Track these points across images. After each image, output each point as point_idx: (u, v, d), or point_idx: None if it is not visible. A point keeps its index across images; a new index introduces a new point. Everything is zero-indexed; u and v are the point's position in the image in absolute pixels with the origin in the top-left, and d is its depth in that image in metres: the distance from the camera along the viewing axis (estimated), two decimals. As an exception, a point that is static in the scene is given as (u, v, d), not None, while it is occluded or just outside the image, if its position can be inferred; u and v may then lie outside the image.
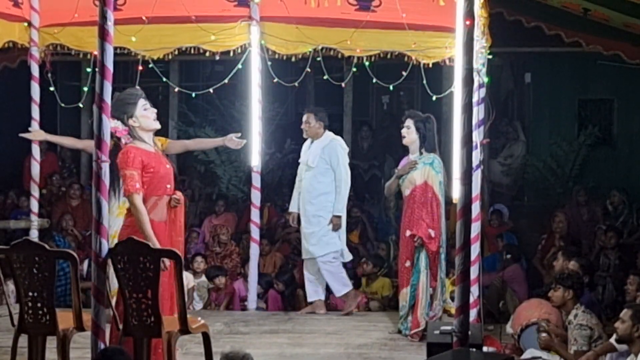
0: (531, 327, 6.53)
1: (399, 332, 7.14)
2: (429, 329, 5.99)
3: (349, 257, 7.99)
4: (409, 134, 7.08)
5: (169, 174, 5.69)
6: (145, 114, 5.63)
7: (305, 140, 8.01)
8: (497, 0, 7.79)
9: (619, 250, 8.98)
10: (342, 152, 7.81)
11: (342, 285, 7.88)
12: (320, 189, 7.75)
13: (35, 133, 7.91)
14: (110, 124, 5.49)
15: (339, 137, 7.97)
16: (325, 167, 7.74)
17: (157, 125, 5.72)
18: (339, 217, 7.76)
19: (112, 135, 5.82)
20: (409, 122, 7.08)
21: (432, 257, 6.87)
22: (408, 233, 6.94)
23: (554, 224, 9.64)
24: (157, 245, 5.32)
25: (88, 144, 7.67)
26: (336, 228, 7.76)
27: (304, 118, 7.91)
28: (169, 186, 5.64)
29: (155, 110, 5.71)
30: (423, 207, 6.89)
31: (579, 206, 10.55)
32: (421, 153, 7.05)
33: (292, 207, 8.08)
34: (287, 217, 8.50)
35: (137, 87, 5.97)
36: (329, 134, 7.89)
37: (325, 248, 7.76)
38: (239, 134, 6.75)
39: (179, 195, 5.68)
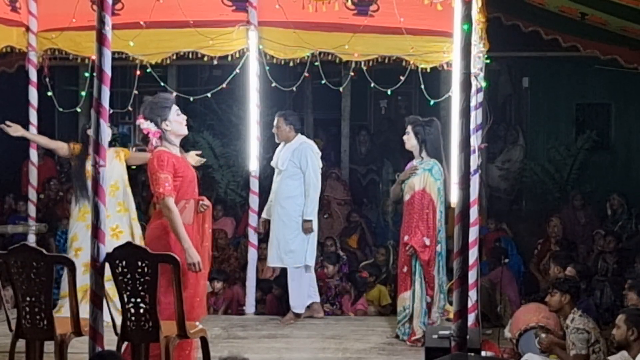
0: (529, 332, 6.53)
1: (397, 336, 7.13)
2: (427, 333, 5.99)
3: (311, 261, 7.85)
4: (409, 139, 7.10)
5: (195, 178, 5.81)
6: (177, 119, 5.71)
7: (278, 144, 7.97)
8: (495, 5, 7.79)
9: (618, 255, 8.99)
10: (312, 155, 7.74)
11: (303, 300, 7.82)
12: (288, 192, 7.70)
13: (14, 127, 7.90)
14: (143, 125, 5.60)
15: (310, 141, 7.92)
16: (294, 170, 7.69)
17: (186, 131, 5.80)
18: (310, 221, 7.67)
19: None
20: (409, 128, 7.10)
21: (425, 266, 6.86)
22: (406, 238, 6.94)
23: (549, 228, 9.65)
24: (192, 247, 5.44)
25: (60, 146, 7.75)
26: (307, 232, 7.69)
27: (275, 122, 7.89)
28: (195, 190, 5.75)
29: (186, 117, 5.81)
30: (420, 215, 6.88)
31: (575, 210, 10.57)
32: (422, 158, 7.05)
33: (263, 214, 8.03)
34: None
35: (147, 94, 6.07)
36: (300, 137, 7.84)
37: (298, 260, 7.69)
38: (200, 152, 6.87)
39: (206, 200, 5.77)
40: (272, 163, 7.96)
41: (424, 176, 6.93)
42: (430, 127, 7.04)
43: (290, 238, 7.68)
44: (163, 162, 5.51)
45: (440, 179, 6.93)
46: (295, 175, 7.69)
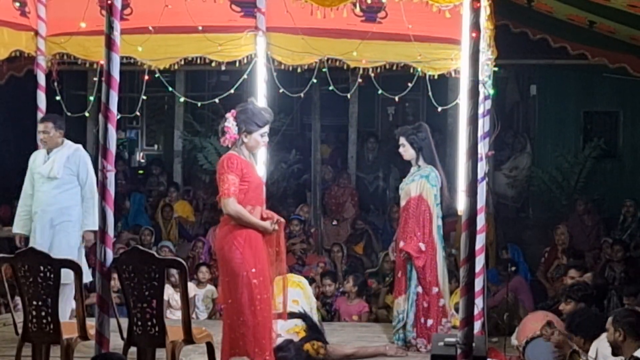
0: (536, 340, 6.50)
1: (393, 343, 7.09)
2: (433, 340, 5.98)
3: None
4: (406, 150, 7.05)
5: (262, 184, 6.00)
6: (259, 140, 5.88)
7: (35, 150, 7.47)
8: (503, 13, 7.78)
9: (625, 263, 8.96)
10: (89, 162, 7.27)
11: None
12: (63, 201, 7.14)
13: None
14: (228, 122, 5.75)
15: (80, 146, 7.43)
16: (71, 178, 7.17)
17: (260, 149, 6.11)
18: (93, 232, 6.83)
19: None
20: (402, 140, 7.04)
21: (420, 272, 6.85)
22: (402, 244, 6.95)
23: (556, 236, 9.63)
24: (269, 229, 5.71)
25: None
26: (89, 244, 7.06)
27: (41, 127, 7.25)
28: (262, 197, 5.94)
29: (267, 141, 5.99)
30: (416, 220, 6.85)
31: (579, 216, 10.56)
32: (419, 165, 7.02)
33: (16, 229, 7.30)
34: (290, 228, 8.33)
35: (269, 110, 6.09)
36: (70, 143, 7.33)
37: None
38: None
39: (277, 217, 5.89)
40: (34, 171, 7.28)
41: (421, 183, 6.91)
42: (421, 133, 7.01)
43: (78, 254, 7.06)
44: (232, 164, 5.66)
45: (436, 185, 6.90)
46: (72, 183, 7.17)
